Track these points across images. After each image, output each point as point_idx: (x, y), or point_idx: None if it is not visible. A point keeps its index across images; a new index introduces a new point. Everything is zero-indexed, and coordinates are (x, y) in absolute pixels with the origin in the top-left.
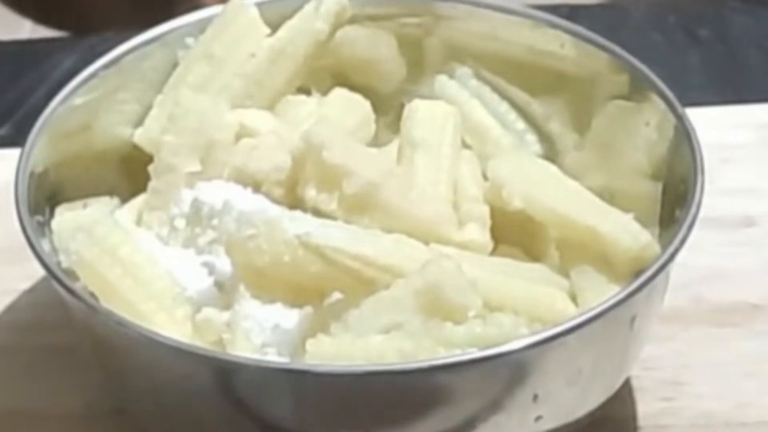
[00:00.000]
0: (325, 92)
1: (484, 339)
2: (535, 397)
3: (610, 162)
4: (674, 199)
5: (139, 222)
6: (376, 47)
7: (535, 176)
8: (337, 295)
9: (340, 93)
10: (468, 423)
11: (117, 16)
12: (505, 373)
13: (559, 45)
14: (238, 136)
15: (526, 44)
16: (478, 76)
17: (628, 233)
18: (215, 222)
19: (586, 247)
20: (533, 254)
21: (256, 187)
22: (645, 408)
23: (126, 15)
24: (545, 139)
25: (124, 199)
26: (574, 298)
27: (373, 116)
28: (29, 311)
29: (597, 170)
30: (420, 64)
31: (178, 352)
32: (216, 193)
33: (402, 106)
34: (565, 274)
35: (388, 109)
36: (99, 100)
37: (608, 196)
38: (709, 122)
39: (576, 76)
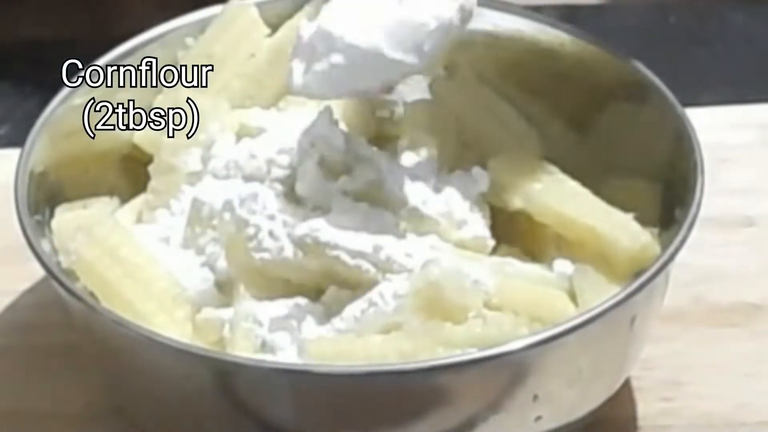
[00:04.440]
0: None
1: (484, 339)
2: (535, 397)
3: (610, 162)
4: (674, 199)
5: (139, 222)
6: None
7: (535, 176)
8: (336, 294)
9: None
10: (468, 423)
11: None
12: (505, 373)
13: (559, 45)
14: (238, 136)
15: (526, 44)
16: (478, 76)
17: (628, 233)
18: (215, 222)
19: (586, 247)
20: (533, 254)
21: (257, 186)
22: (645, 408)
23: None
24: (545, 139)
25: (124, 199)
26: (574, 298)
27: (373, 116)
28: (29, 311)
29: (597, 170)
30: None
31: (178, 352)
32: (216, 193)
33: (402, 106)
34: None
35: (388, 110)
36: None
37: (608, 196)
38: (709, 122)
39: (576, 76)
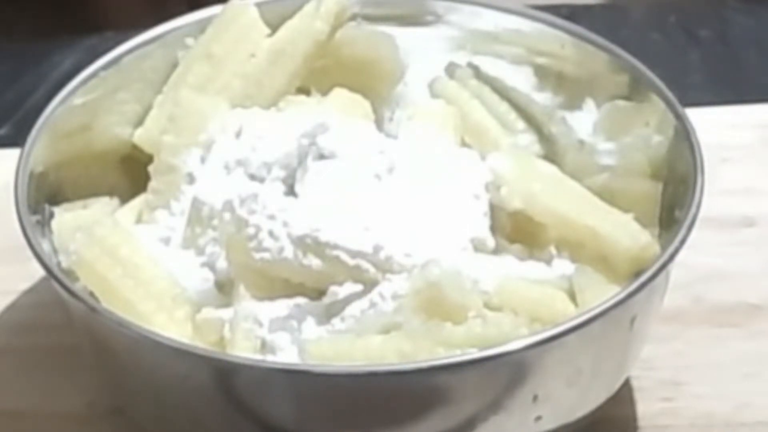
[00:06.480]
0: (325, 92)
1: (484, 339)
2: (535, 398)
3: (610, 162)
4: (674, 199)
5: (139, 222)
6: (376, 47)
7: (535, 176)
8: (337, 294)
9: (340, 93)
10: (468, 423)
11: (132, 14)
12: (505, 373)
13: (559, 45)
14: (238, 136)
15: (526, 44)
16: (478, 76)
17: (628, 233)
18: (215, 222)
19: (586, 247)
20: (533, 254)
21: (257, 186)
22: (645, 408)
23: (141, 14)
24: (545, 139)
25: (124, 199)
26: (574, 298)
27: (373, 116)
28: (29, 311)
29: (597, 170)
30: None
31: (178, 352)
32: (216, 193)
33: (402, 106)
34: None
35: (388, 109)
36: (99, 100)
37: (608, 196)
38: (709, 122)
39: (576, 76)
